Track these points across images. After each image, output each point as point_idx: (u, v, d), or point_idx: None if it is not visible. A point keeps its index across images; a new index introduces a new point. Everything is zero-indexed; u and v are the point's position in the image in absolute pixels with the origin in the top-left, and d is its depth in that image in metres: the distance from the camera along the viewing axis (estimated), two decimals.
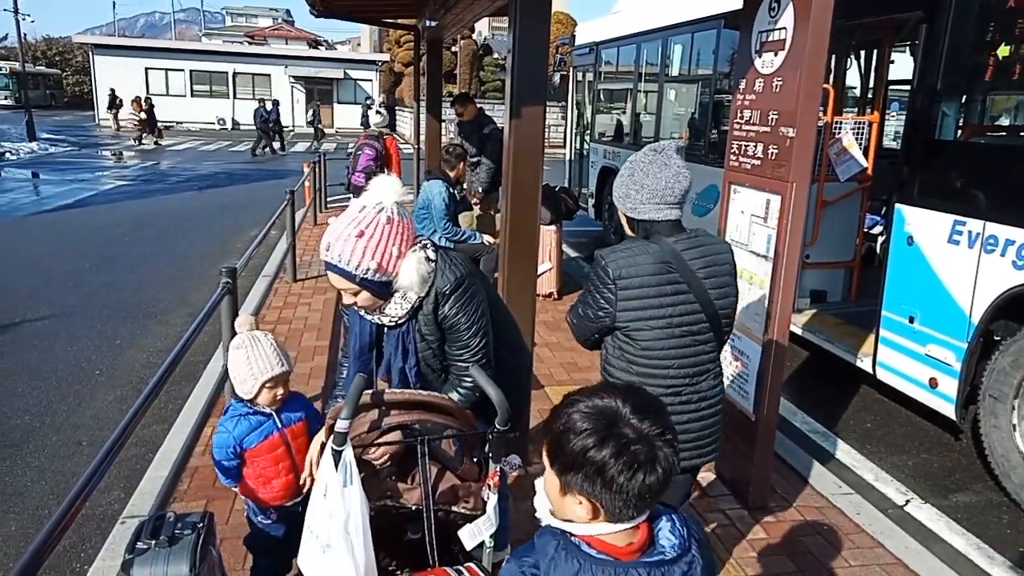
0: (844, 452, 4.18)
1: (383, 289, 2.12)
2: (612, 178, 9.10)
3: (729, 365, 3.51)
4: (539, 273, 6.67)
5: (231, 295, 3.82)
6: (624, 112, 9.52)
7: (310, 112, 28.61)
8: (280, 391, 2.35)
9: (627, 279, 2.18)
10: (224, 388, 3.71)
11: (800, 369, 5.50)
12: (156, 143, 25.65)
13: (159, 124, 26.83)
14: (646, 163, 2.23)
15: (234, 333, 2.42)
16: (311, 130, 26.78)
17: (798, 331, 5.45)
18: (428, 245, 2.19)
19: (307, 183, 10.46)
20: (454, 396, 2.13)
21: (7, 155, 19.88)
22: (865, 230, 6.05)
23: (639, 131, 8.87)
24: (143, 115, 25.57)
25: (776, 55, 3.16)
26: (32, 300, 6.92)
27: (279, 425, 2.39)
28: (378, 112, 6.09)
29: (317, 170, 10.96)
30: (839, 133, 5.51)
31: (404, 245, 2.10)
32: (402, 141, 30.29)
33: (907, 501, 3.69)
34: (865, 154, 5.48)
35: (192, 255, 9.03)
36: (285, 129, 26.62)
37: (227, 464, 2.39)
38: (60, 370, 5.26)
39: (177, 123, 34.91)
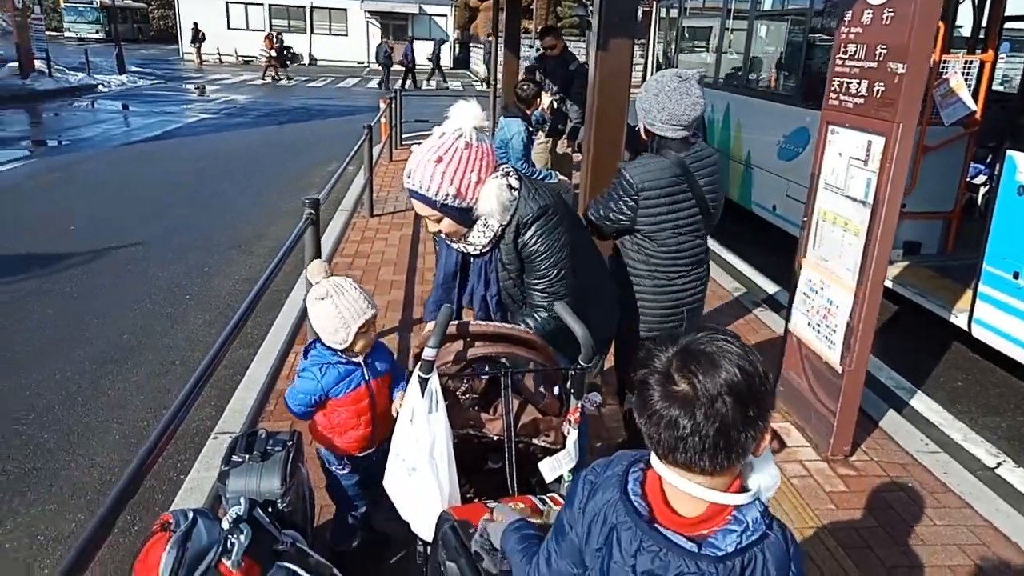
0: (932, 410, 4.02)
1: (464, 216, 2.12)
2: None
3: (816, 314, 3.39)
4: None
5: (314, 226, 3.89)
6: (709, 50, 9.11)
7: (432, 50, 28.68)
8: (372, 334, 2.29)
9: (648, 190, 2.63)
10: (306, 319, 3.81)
11: (888, 323, 5.28)
12: (288, 77, 26.26)
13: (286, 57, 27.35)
14: (671, 88, 2.59)
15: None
16: (384, 68, 26.83)
17: (888, 283, 5.21)
18: (511, 173, 2.16)
19: (383, 119, 10.49)
20: (532, 326, 2.12)
21: (100, 87, 20.64)
22: (967, 179, 5.68)
23: (725, 70, 8.48)
24: (273, 52, 26.11)
25: None
26: (127, 227, 7.25)
27: (367, 376, 2.31)
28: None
29: (393, 106, 10.97)
30: (946, 73, 5.12)
31: (484, 171, 2.07)
32: (476, 79, 30.06)
33: (999, 464, 3.54)
34: (974, 97, 5.10)
35: (272, 188, 9.25)
36: (361, 65, 26.84)
37: (301, 408, 2.32)
38: (154, 294, 5.53)
39: (256, 58, 35.42)
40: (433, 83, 27.10)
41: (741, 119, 7.65)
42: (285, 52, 26.95)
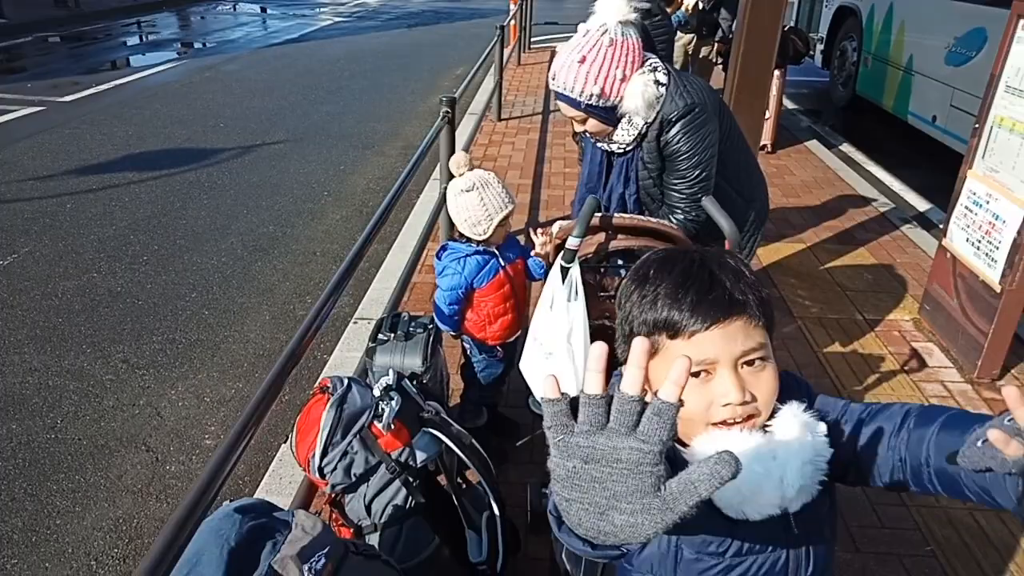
0: None
1: (609, 115, 2.07)
2: (850, 19, 8.11)
3: (978, 229, 3.14)
4: None
5: (450, 126, 3.94)
6: None
7: None
8: (509, 227, 2.37)
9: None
10: (439, 216, 3.92)
11: None
12: None
13: None
14: None
15: (450, 175, 2.37)
16: None
17: None
18: (659, 68, 2.07)
19: (512, 21, 10.29)
20: (675, 221, 2.10)
21: None
22: None
23: None
24: None
25: None
26: (269, 125, 7.63)
27: (502, 263, 2.39)
28: None
29: (523, 8, 10.71)
30: None
31: (628, 68, 2.00)
32: None
33: None
34: None
35: (404, 91, 9.39)
36: None
37: (453, 308, 2.39)
38: (295, 189, 5.85)
39: None
40: None
41: (906, 18, 6.92)
42: None
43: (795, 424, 0.91)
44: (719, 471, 0.61)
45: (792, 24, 9.16)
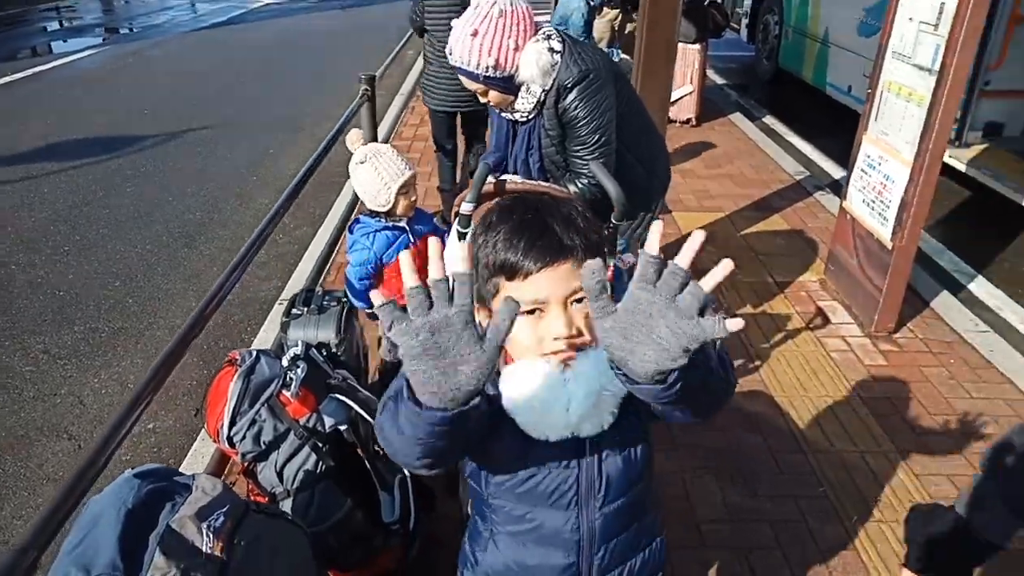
0: (989, 293, 3.93)
1: (507, 85, 2.13)
2: None
3: (872, 190, 3.32)
4: (680, 96, 6.40)
5: (370, 103, 3.95)
6: None
7: None
8: (413, 196, 2.39)
9: None
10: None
11: (958, 207, 5.08)
12: None
13: None
14: None
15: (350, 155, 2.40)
16: None
17: (961, 167, 4.98)
18: (553, 36, 2.13)
19: None
20: (573, 189, 2.16)
21: None
22: None
23: None
24: None
25: None
26: (196, 110, 7.47)
27: (412, 239, 2.42)
28: None
29: None
30: None
31: (521, 37, 2.06)
32: None
33: None
34: None
35: (335, 72, 9.27)
36: None
37: (363, 283, 2.42)
38: (222, 173, 5.78)
39: None
40: None
41: None
42: None
43: (596, 359, 1.00)
44: (505, 309, 0.78)
45: None
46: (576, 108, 2.14)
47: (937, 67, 2.87)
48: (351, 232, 2.48)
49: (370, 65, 9.50)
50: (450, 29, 2.12)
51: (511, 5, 2.05)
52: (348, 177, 5.34)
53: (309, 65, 9.76)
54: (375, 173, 2.28)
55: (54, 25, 12.93)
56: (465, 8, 2.12)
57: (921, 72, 2.98)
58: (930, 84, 2.92)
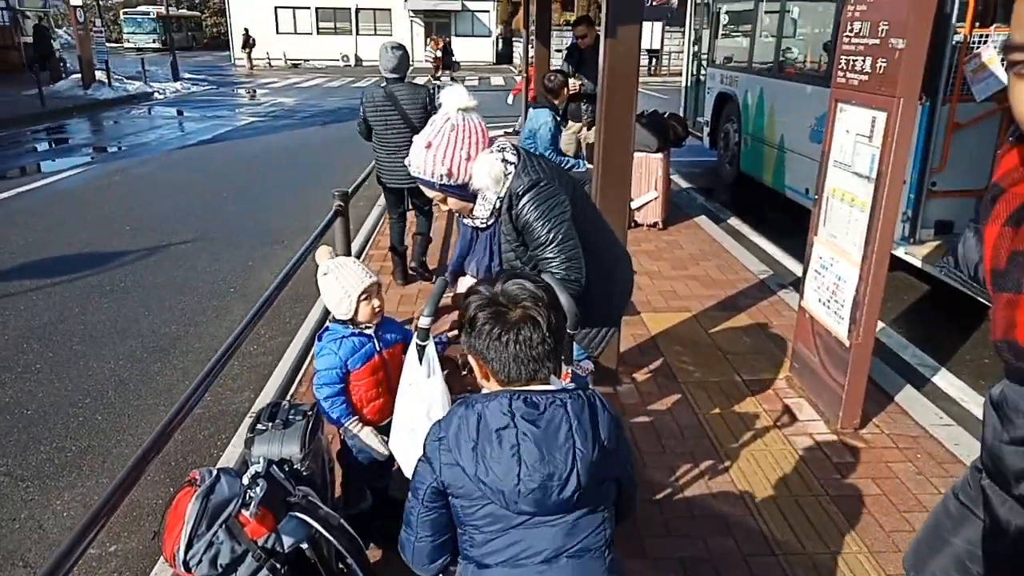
0: (953, 386, 4.00)
1: (462, 192, 2.25)
2: (729, 104, 8.80)
3: (826, 290, 3.44)
4: (645, 202, 6.66)
5: (343, 217, 4.11)
6: (743, 35, 9.05)
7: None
8: (376, 302, 2.44)
9: None
10: None
11: (916, 303, 5.24)
12: (452, 78, 26.83)
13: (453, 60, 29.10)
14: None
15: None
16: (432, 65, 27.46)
17: (917, 263, 5.17)
18: (508, 149, 2.27)
19: None
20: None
21: (156, 95, 21.49)
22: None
23: (759, 55, 8.42)
24: (439, 53, 27.04)
25: None
26: (178, 224, 7.64)
27: (378, 347, 2.47)
28: (396, 48, 5.12)
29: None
30: (977, 48, 5.04)
31: (473, 148, 2.19)
32: (517, 72, 30.14)
33: None
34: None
35: (316, 186, 9.55)
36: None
37: (335, 388, 2.43)
38: (201, 287, 5.85)
39: (304, 61, 36.29)
40: (447, 78, 27.26)
41: (775, 103, 7.61)
42: (450, 54, 28.49)
43: None
44: None
45: (679, 112, 9.89)
46: (528, 212, 2.22)
47: (874, 175, 3.06)
48: (319, 340, 2.53)
49: (350, 176, 9.83)
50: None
51: (463, 120, 2.20)
52: None
53: (290, 179, 10.07)
54: (337, 283, 2.39)
55: (44, 145, 13.31)
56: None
57: (861, 179, 3.17)
58: (870, 190, 3.10)
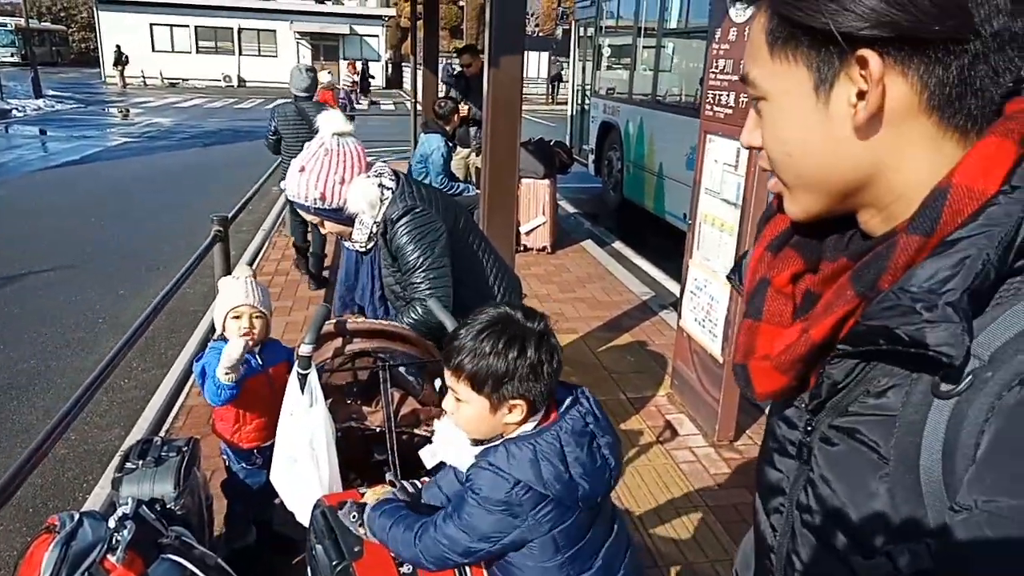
0: None
1: (338, 215, 2.26)
2: (612, 133, 9.16)
3: (701, 310, 3.63)
4: (534, 227, 6.80)
5: (223, 243, 3.95)
6: (623, 67, 9.47)
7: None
8: (245, 323, 2.28)
9: None
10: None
11: None
12: (371, 102, 26.66)
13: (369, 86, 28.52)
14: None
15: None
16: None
17: None
18: (386, 174, 2.28)
19: None
20: (406, 321, 2.22)
21: (14, 112, 19.98)
22: None
23: (638, 86, 8.84)
24: (356, 77, 26.00)
25: (749, 5, 3.20)
26: (39, 252, 7.09)
27: (259, 361, 2.38)
28: (308, 71, 5.74)
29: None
30: None
31: (347, 172, 2.21)
32: (408, 97, 30.21)
33: None
34: None
35: (195, 210, 9.13)
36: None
37: (227, 393, 2.26)
38: (65, 318, 5.45)
39: (183, 80, 34.80)
40: (365, 103, 27.19)
41: (654, 133, 7.99)
42: (367, 79, 28.21)
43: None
44: None
45: (565, 140, 10.21)
46: (401, 237, 2.24)
47: (740, 201, 3.28)
48: (199, 360, 2.43)
49: (233, 199, 9.47)
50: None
51: (338, 144, 2.21)
52: (202, 316, 5.23)
53: (167, 204, 9.59)
54: (220, 298, 2.37)
55: None
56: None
57: (729, 205, 3.38)
58: (737, 215, 3.31)
